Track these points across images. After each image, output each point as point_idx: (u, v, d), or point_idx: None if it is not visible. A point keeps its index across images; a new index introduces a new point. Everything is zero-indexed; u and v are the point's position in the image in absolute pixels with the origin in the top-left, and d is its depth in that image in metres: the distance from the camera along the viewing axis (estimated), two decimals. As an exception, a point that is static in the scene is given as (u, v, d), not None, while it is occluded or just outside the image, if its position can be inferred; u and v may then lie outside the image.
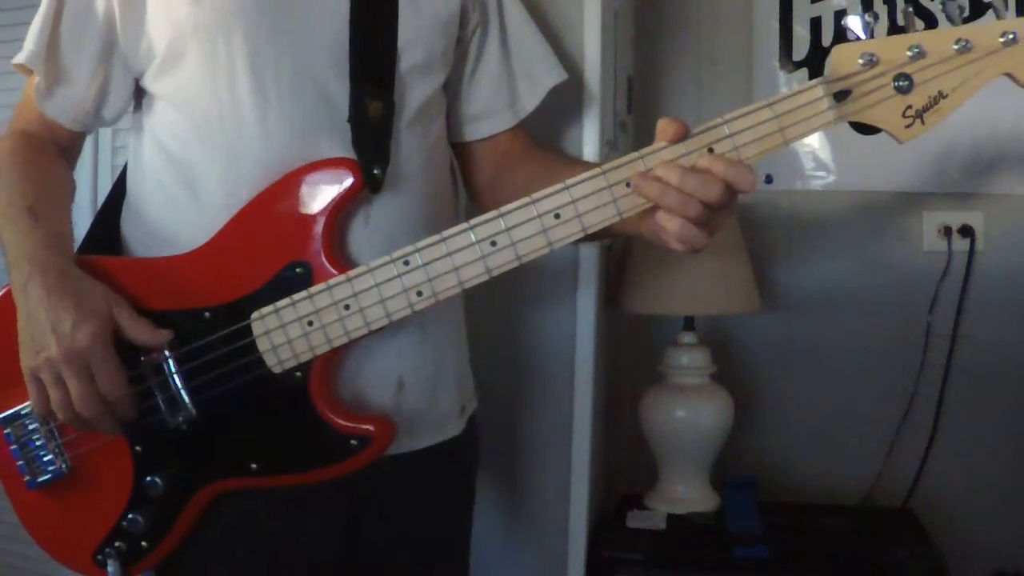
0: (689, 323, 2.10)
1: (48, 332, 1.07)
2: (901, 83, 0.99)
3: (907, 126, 0.99)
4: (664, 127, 1.03)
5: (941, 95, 0.98)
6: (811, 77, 2.23)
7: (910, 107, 0.99)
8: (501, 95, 1.37)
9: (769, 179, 2.26)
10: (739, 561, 1.84)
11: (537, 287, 1.75)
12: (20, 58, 1.24)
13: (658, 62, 2.36)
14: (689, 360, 2.08)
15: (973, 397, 2.18)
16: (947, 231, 2.19)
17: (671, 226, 1.03)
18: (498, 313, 1.72)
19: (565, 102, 1.60)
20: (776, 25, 2.26)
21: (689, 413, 2.05)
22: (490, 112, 1.37)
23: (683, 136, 1.02)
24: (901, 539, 1.94)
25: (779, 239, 2.29)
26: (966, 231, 2.18)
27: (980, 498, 2.16)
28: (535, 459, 1.79)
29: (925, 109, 0.98)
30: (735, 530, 1.92)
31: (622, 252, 2.09)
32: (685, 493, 2.07)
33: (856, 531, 1.99)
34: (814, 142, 2.27)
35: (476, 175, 1.39)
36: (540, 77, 1.39)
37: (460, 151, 1.40)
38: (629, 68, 2.16)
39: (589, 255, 1.76)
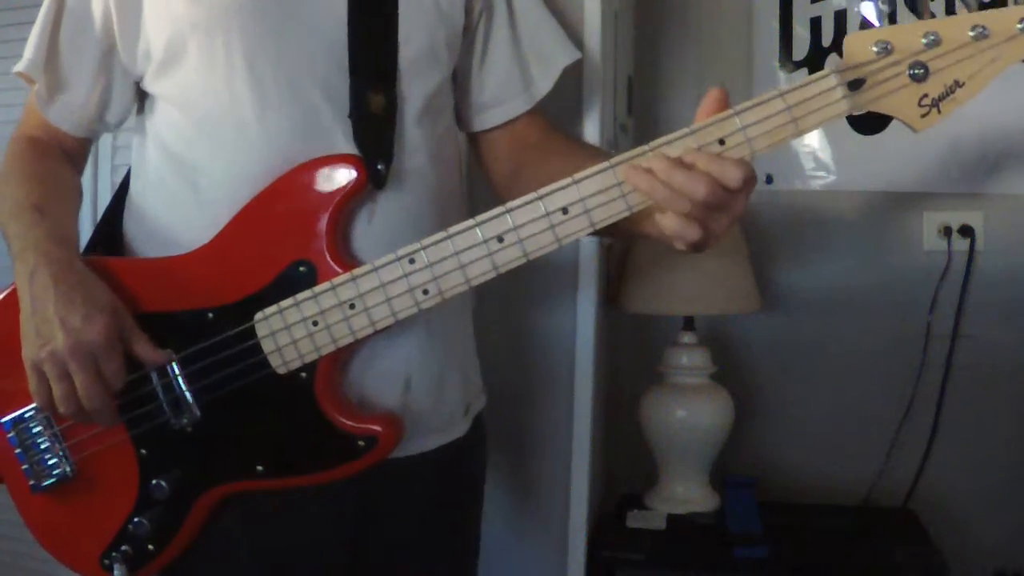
0: (689, 323, 2.10)
1: (55, 324, 1.06)
2: (916, 71, 0.97)
3: (923, 115, 0.97)
4: (707, 96, 1.01)
5: (957, 84, 0.95)
6: (811, 77, 2.23)
7: (926, 96, 0.97)
8: (514, 80, 1.33)
9: (769, 179, 2.26)
10: (739, 561, 1.85)
11: (537, 287, 1.74)
12: (20, 67, 1.23)
13: (658, 62, 2.35)
14: (689, 360, 2.08)
15: (973, 397, 2.18)
16: (947, 231, 2.19)
17: (665, 222, 1.01)
18: (498, 313, 1.71)
19: (565, 103, 1.59)
20: (776, 25, 2.26)
21: (689, 413, 2.05)
22: (504, 98, 1.33)
23: (724, 106, 1.00)
24: (901, 539, 1.95)
25: (779, 239, 2.29)
26: (966, 231, 2.18)
27: (980, 498, 2.17)
28: (535, 459, 1.78)
29: (941, 98, 0.96)
30: (735, 530, 1.92)
31: (622, 252, 2.08)
32: (685, 493, 2.07)
33: (856, 531, 1.99)
34: (814, 142, 2.27)
35: (496, 166, 1.36)
36: (552, 57, 1.35)
37: (477, 142, 1.37)
38: (629, 68, 2.16)
39: (589, 254, 1.75)
